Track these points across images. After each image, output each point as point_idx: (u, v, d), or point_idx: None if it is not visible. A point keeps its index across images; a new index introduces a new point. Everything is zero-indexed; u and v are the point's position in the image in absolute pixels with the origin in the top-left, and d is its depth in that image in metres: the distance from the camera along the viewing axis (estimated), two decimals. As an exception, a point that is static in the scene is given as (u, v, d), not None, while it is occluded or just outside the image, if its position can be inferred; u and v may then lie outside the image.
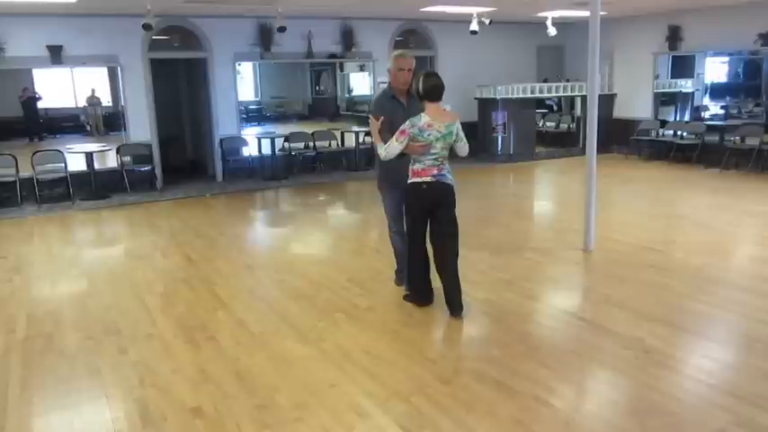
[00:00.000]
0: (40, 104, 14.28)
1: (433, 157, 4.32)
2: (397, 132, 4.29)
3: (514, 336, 4.24)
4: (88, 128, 12.88)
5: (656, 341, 4.04)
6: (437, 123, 4.25)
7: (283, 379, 3.70)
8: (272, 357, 3.99)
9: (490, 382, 3.56)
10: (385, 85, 4.86)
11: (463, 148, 4.46)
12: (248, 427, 3.19)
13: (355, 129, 12.20)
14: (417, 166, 4.36)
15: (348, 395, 3.46)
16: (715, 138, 11.07)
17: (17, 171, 9.22)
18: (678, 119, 12.38)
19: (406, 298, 4.86)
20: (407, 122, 4.26)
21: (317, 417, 3.25)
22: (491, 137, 12.38)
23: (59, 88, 14.56)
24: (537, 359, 3.85)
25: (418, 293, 4.75)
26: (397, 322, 4.49)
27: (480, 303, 4.86)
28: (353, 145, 11.88)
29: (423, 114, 4.27)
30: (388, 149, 4.31)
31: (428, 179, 4.34)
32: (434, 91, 4.30)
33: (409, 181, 4.41)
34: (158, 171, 10.34)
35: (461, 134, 4.42)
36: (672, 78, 12.53)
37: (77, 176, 9.63)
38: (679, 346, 4.07)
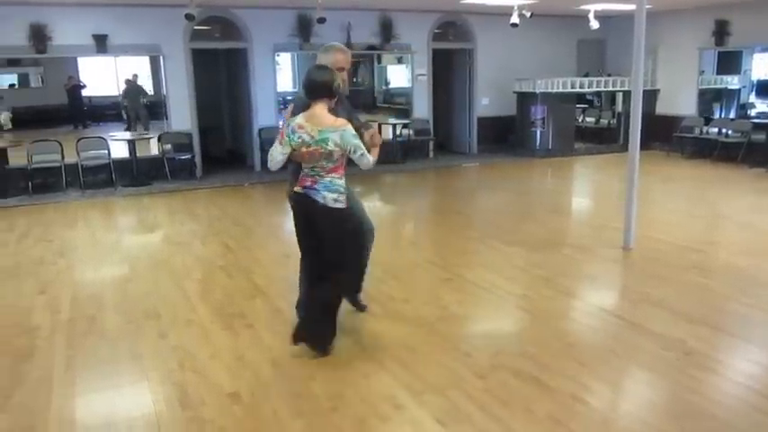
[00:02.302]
0: (84, 92, 14.62)
1: (311, 165, 3.67)
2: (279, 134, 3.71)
3: (551, 332, 4.20)
4: (125, 117, 13.20)
5: (697, 343, 3.96)
6: (309, 126, 3.61)
7: (319, 368, 3.72)
8: (308, 347, 4.01)
9: (527, 378, 3.53)
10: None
11: (361, 160, 3.67)
12: (284, 414, 3.23)
13: (392, 121, 12.20)
14: (301, 173, 3.76)
15: (383, 386, 3.48)
16: (761, 136, 10.73)
17: (62, 157, 9.46)
18: (723, 116, 12.06)
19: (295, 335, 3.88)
20: (287, 122, 3.71)
21: (353, 407, 3.27)
22: (529, 131, 12.24)
23: (103, 77, 14.86)
24: (574, 357, 3.81)
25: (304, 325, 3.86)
26: (431, 315, 4.48)
27: (517, 299, 4.83)
28: (390, 137, 11.88)
29: (302, 113, 3.69)
30: (271, 153, 3.68)
31: (298, 189, 3.74)
32: (310, 88, 3.66)
33: None
34: (198, 160, 10.50)
35: (352, 143, 3.62)
36: (717, 74, 12.21)
37: (120, 163, 9.85)
38: (721, 348, 3.98)
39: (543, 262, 5.70)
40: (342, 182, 3.73)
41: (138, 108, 12.66)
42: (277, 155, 3.67)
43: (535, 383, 3.47)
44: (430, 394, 3.38)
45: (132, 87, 12.67)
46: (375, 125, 4.26)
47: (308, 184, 3.70)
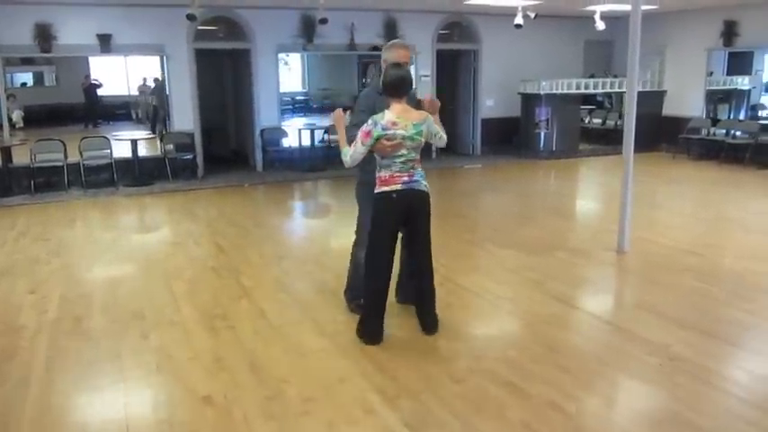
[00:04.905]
0: (98, 92, 14.72)
1: (401, 160, 3.86)
2: (359, 134, 3.82)
3: (535, 337, 4.13)
4: (134, 116, 13.20)
5: (686, 349, 3.87)
6: (402, 121, 3.81)
7: (295, 371, 3.69)
8: (287, 349, 3.99)
9: (505, 384, 3.47)
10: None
11: (440, 142, 4.06)
12: (255, 418, 3.19)
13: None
14: (384, 173, 3.90)
15: (358, 390, 3.43)
16: (770, 137, 10.57)
17: (65, 156, 9.51)
18: (733, 117, 11.88)
19: (357, 332, 4.11)
20: (369, 121, 3.81)
21: (324, 411, 3.23)
22: (534, 133, 12.15)
23: (113, 76, 14.96)
24: (556, 362, 3.74)
25: (369, 323, 4.06)
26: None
27: (504, 302, 4.77)
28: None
29: (386, 111, 3.83)
30: (354, 155, 3.86)
31: (398, 187, 3.88)
32: (398, 85, 3.84)
33: (376, 191, 3.94)
34: (200, 160, 10.51)
35: (434, 129, 3.97)
36: (727, 75, 12.03)
37: (122, 163, 9.87)
38: (711, 355, 3.88)
39: (536, 265, 5.62)
40: None
41: (164, 107, 12.59)
42: (358, 155, 3.86)
43: (512, 389, 3.40)
44: (403, 399, 3.32)
45: (161, 86, 12.56)
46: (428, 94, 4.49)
47: (406, 179, 3.91)
